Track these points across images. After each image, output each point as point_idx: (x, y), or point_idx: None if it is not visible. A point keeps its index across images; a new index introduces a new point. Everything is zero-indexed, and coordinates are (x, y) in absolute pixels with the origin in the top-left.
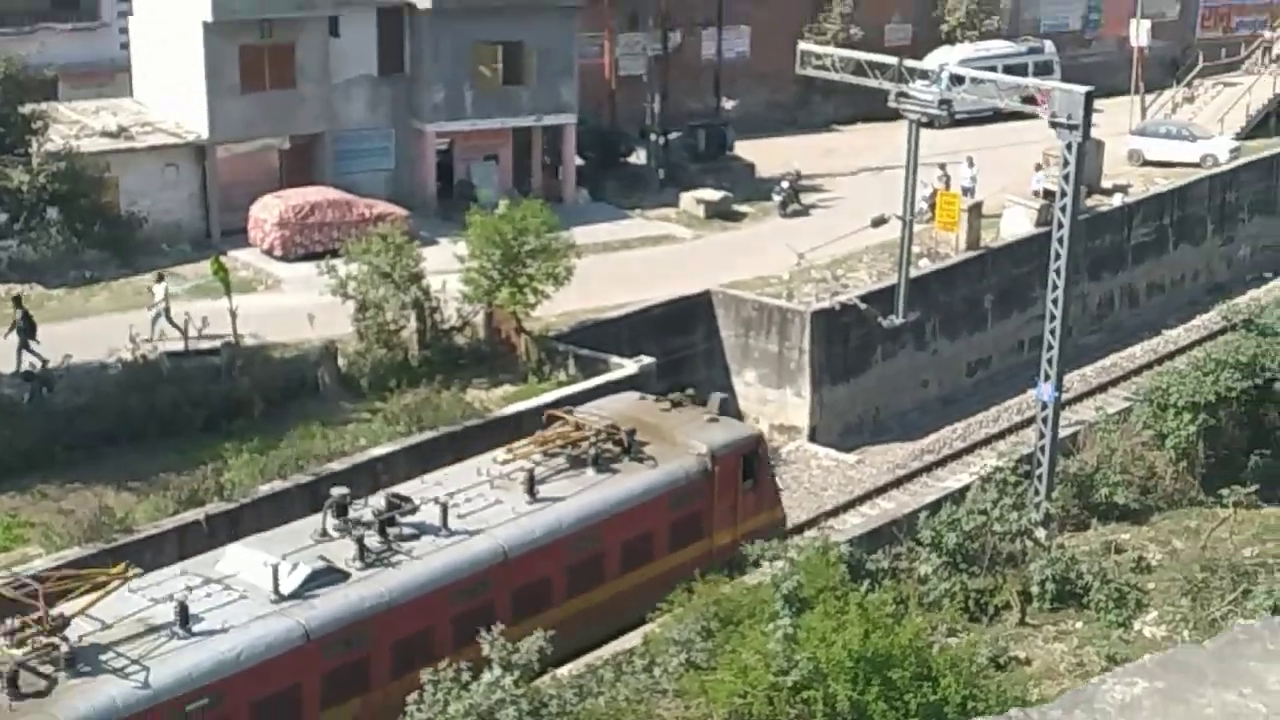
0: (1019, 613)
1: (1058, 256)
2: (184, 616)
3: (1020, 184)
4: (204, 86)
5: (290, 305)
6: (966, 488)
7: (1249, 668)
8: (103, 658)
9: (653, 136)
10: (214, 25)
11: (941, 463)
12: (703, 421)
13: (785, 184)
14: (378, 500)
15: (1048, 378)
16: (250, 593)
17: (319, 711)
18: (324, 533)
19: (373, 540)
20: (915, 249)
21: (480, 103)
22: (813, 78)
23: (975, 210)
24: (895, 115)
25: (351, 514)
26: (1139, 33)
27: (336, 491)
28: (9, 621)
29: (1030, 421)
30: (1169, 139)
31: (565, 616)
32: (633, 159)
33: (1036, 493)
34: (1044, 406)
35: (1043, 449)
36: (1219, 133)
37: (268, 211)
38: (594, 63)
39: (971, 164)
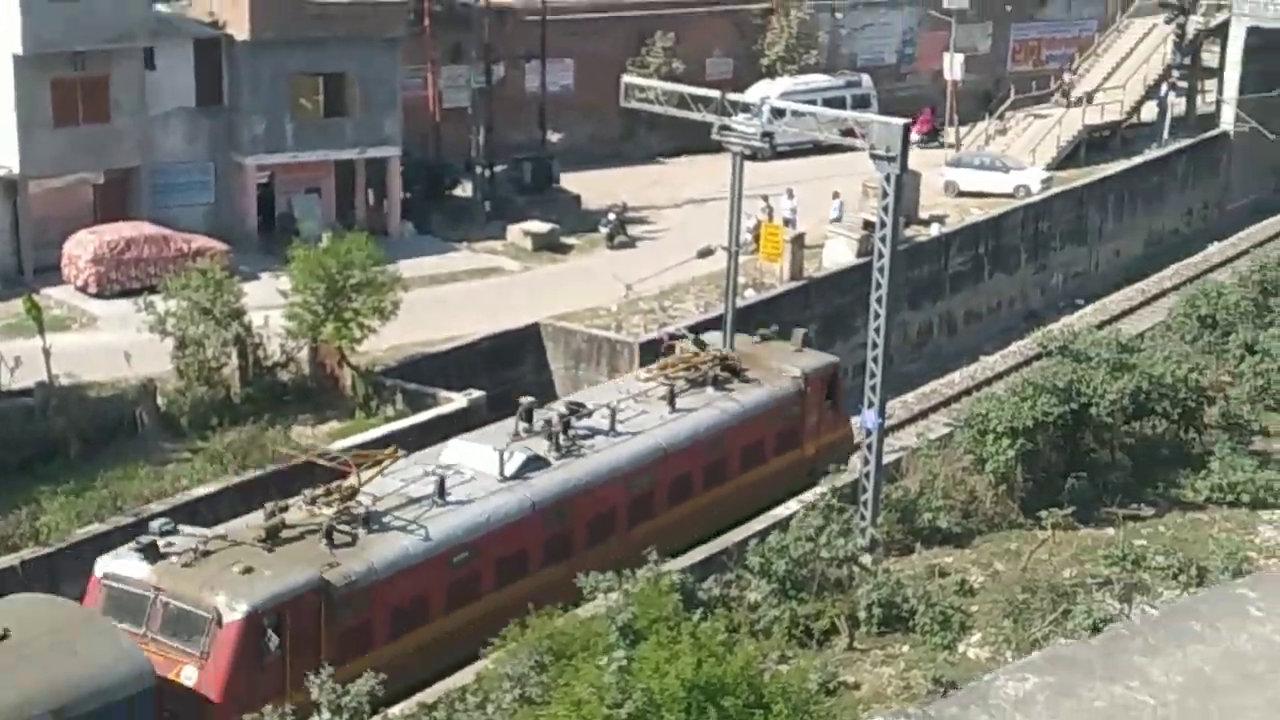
0: (847, 638)
1: (878, 286)
2: (441, 489)
3: (843, 214)
4: (14, 120)
5: (106, 343)
6: (794, 514)
7: (1134, 662)
8: (387, 519)
9: (478, 169)
10: (24, 59)
11: None
12: (791, 351)
13: (612, 216)
14: (559, 407)
15: (871, 405)
16: (478, 476)
17: (540, 569)
18: (517, 433)
19: (560, 439)
20: (741, 280)
21: (301, 135)
22: (637, 110)
23: (798, 241)
24: (719, 148)
25: (537, 418)
26: (952, 67)
27: (525, 400)
28: (309, 491)
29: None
30: (983, 170)
31: (701, 506)
32: (458, 191)
33: (862, 518)
34: (868, 433)
35: (867, 475)
36: (1031, 164)
37: (82, 248)
38: (418, 95)
39: (792, 195)
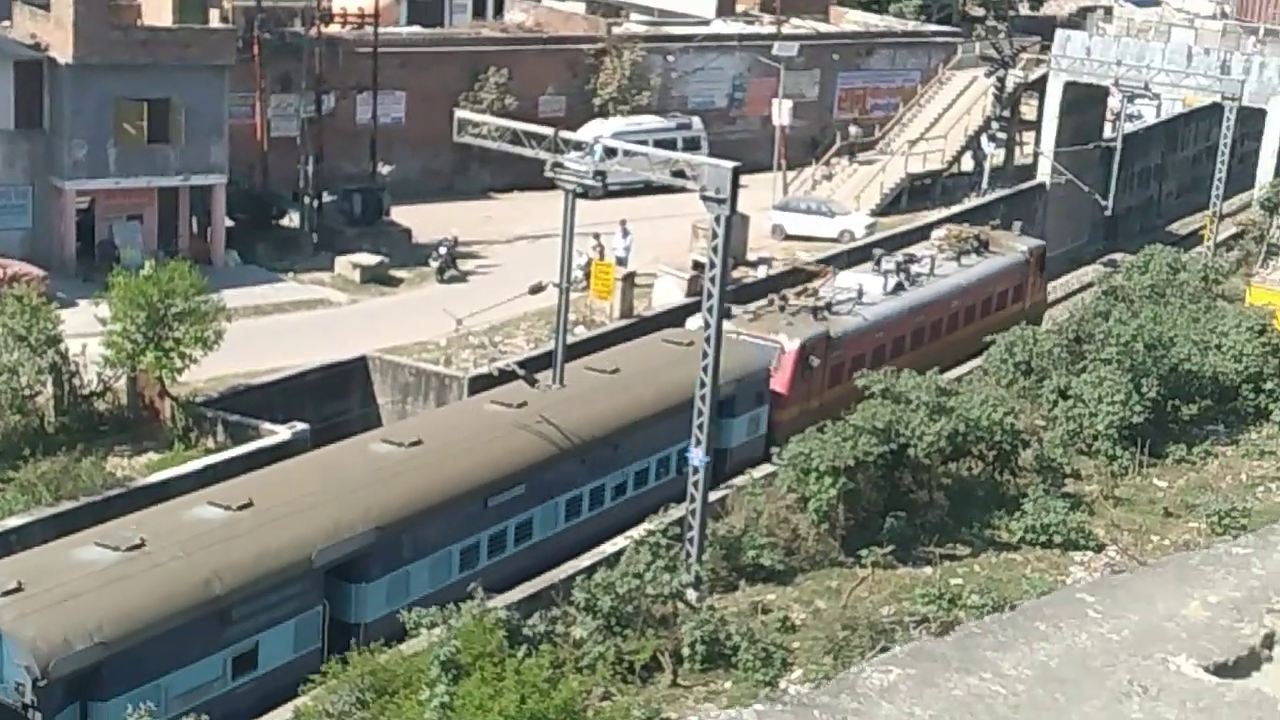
0: (670, 674)
1: (707, 325)
2: (859, 295)
3: (673, 254)
4: None
5: None
6: (621, 551)
7: (987, 656)
8: (838, 309)
9: (306, 199)
10: None
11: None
12: (1016, 235)
13: (443, 250)
14: (896, 256)
15: (698, 443)
16: (867, 293)
17: (911, 350)
18: (878, 272)
19: (905, 276)
20: (571, 317)
21: (125, 161)
22: (470, 145)
23: (629, 280)
24: (551, 185)
25: (885, 262)
26: (781, 112)
27: (877, 251)
28: (790, 291)
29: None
30: (809, 214)
31: (978, 329)
32: (286, 222)
33: (688, 555)
34: (695, 471)
35: (693, 513)
36: (856, 209)
37: None
38: (246, 123)
39: (627, 234)
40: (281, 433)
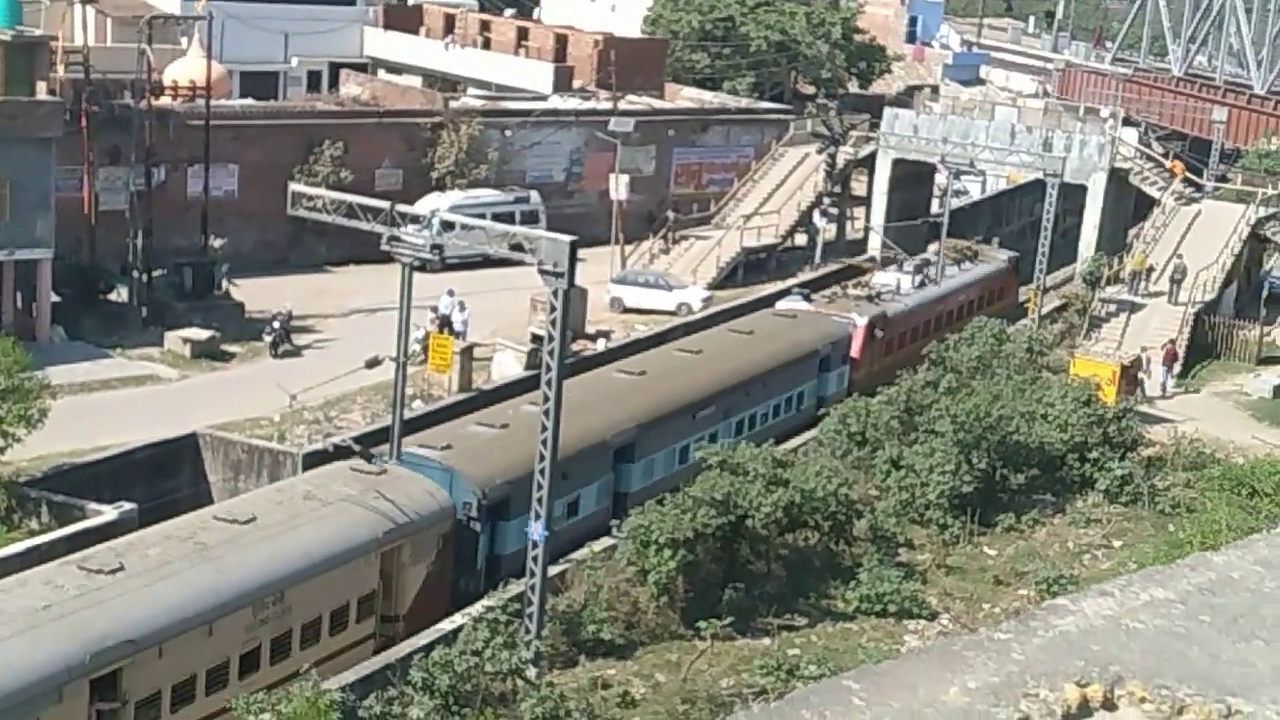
0: None
1: (547, 399)
2: (897, 289)
3: (512, 327)
4: None
5: None
6: (459, 628)
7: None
8: (884, 297)
9: (135, 273)
10: None
11: None
12: (996, 249)
13: (276, 324)
14: (916, 260)
15: (538, 517)
16: (902, 287)
17: (934, 331)
18: (901, 271)
19: (923, 274)
20: (409, 390)
21: None
22: (305, 218)
23: (467, 353)
24: (389, 257)
25: (906, 265)
26: (618, 187)
27: (900, 255)
28: (844, 284)
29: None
30: (647, 288)
31: (982, 314)
32: (114, 296)
33: (528, 631)
34: (534, 545)
35: (533, 588)
36: (693, 283)
37: None
38: (73, 196)
39: (463, 308)
40: (108, 513)
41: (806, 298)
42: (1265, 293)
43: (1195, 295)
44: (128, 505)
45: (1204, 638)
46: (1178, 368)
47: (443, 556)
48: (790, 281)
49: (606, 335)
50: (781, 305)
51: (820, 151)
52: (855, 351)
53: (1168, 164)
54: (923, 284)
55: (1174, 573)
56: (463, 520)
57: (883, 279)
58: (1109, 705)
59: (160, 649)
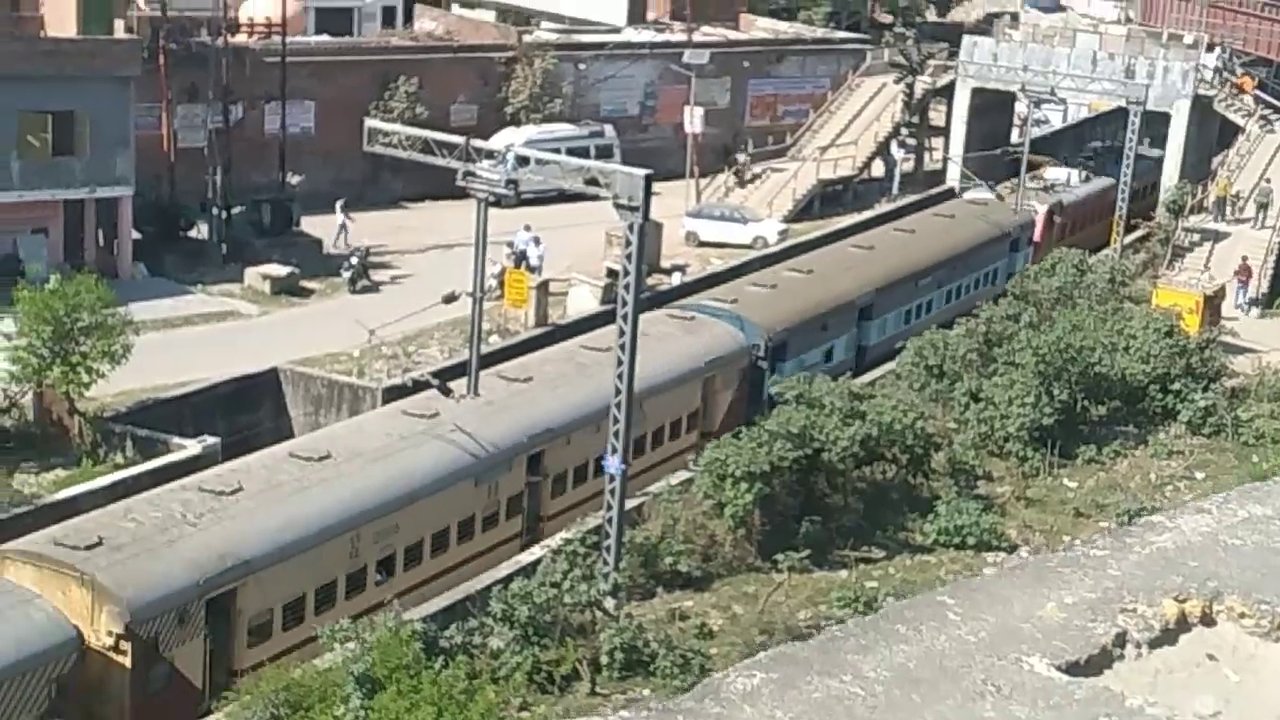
0: (589, 683)
1: (623, 333)
2: (1067, 181)
3: (587, 262)
4: None
5: None
6: (538, 560)
7: (847, 659)
8: (1057, 189)
9: (215, 210)
10: None
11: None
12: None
13: (354, 260)
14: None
15: (615, 450)
16: (1071, 182)
17: (1094, 225)
18: (1069, 166)
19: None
20: (486, 326)
21: (28, 174)
22: (381, 155)
23: (543, 288)
24: (464, 193)
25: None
26: (693, 120)
27: (1065, 155)
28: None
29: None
30: (722, 221)
31: (1109, 221)
32: (194, 233)
33: (605, 563)
34: (611, 479)
35: (610, 520)
36: (768, 216)
37: None
38: (152, 134)
39: (539, 243)
40: (191, 447)
41: (991, 188)
42: None
43: (1276, 230)
44: (210, 439)
45: None
46: (1254, 285)
47: (741, 387)
48: (867, 214)
49: (682, 269)
50: (970, 195)
51: (898, 81)
52: (1038, 235)
53: (1236, 79)
54: (1086, 178)
55: (1273, 489)
56: (754, 359)
57: (1055, 174)
58: (1208, 620)
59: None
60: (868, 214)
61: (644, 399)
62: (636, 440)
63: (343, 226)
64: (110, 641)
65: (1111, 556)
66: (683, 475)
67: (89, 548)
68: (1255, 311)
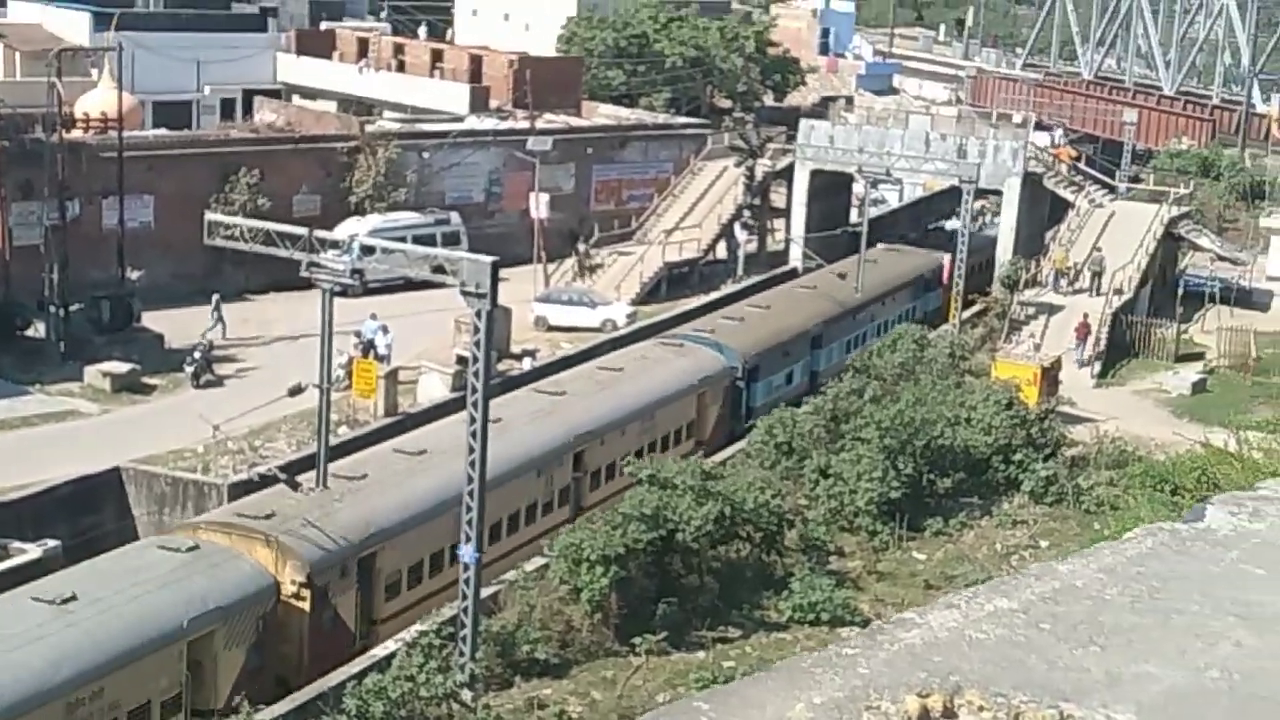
0: None
1: (473, 420)
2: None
3: (436, 350)
4: None
5: None
6: (393, 654)
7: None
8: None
9: (52, 308)
10: None
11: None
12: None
13: (197, 354)
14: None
15: (469, 539)
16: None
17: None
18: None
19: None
20: (334, 417)
21: None
22: (223, 248)
23: (392, 376)
24: (309, 284)
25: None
26: (538, 206)
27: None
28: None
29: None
30: (571, 305)
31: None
32: (31, 332)
33: (461, 654)
34: (466, 568)
35: (465, 610)
36: (617, 299)
37: None
38: None
39: (386, 332)
40: (32, 550)
41: (904, 238)
42: (1180, 291)
43: (1111, 295)
44: (52, 542)
45: (1043, 645)
46: (1091, 341)
47: (725, 403)
48: (713, 295)
49: (532, 354)
50: (883, 246)
51: (738, 164)
52: (945, 278)
53: (1053, 150)
54: (980, 229)
55: (1019, 582)
56: (734, 379)
57: (954, 224)
58: (949, 714)
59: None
60: (715, 295)
61: (655, 410)
62: (649, 444)
63: (218, 320)
64: (294, 589)
65: (862, 655)
66: (538, 561)
67: (268, 517)
68: (1095, 367)
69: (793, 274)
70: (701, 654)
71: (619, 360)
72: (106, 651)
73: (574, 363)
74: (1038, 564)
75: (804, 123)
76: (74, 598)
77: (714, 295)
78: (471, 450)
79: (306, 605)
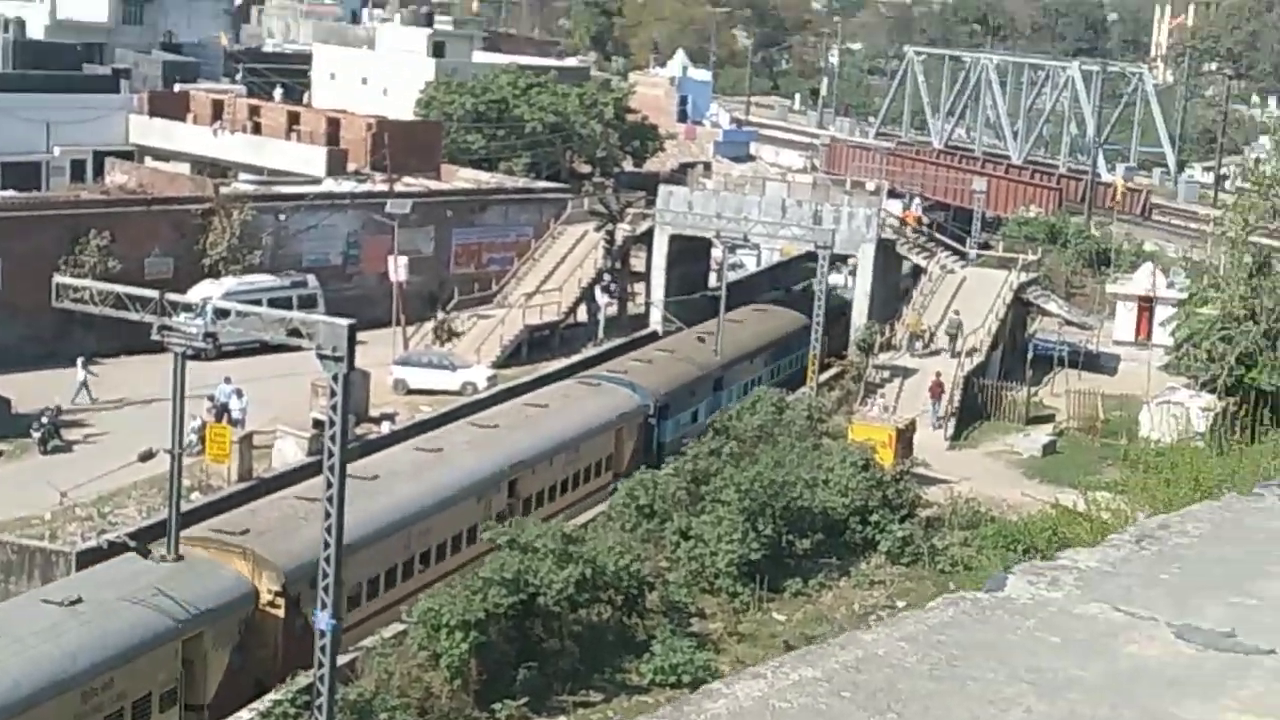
0: None
1: (329, 485)
2: None
3: (292, 413)
4: None
5: None
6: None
7: None
8: None
9: None
10: None
11: None
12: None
13: (44, 419)
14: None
15: (324, 606)
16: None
17: None
18: None
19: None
20: (186, 482)
21: None
22: (73, 310)
23: (246, 441)
24: (161, 348)
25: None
26: (397, 268)
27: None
28: None
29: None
30: (430, 368)
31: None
32: None
33: None
34: (322, 635)
35: (322, 678)
36: (477, 362)
37: None
38: None
39: (241, 396)
40: None
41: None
42: (1030, 355)
43: (964, 357)
44: None
45: (842, 713)
46: (945, 400)
47: (640, 438)
48: (575, 358)
49: (391, 418)
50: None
51: (598, 229)
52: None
53: (899, 215)
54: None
55: (824, 652)
56: (647, 416)
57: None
58: None
59: None
60: (578, 357)
61: (580, 443)
62: (573, 475)
63: (84, 384)
64: (269, 597)
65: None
66: (396, 627)
67: (243, 532)
68: (949, 428)
69: (654, 336)
70: (562, 719)
71: (544, 397)
72: (114, 647)
73: (433, 426)
74: (844, 634)
75: (663, 188)
76: (80, 600)
77: (576, 358)
78: (328, 516)
79: (281, 612)
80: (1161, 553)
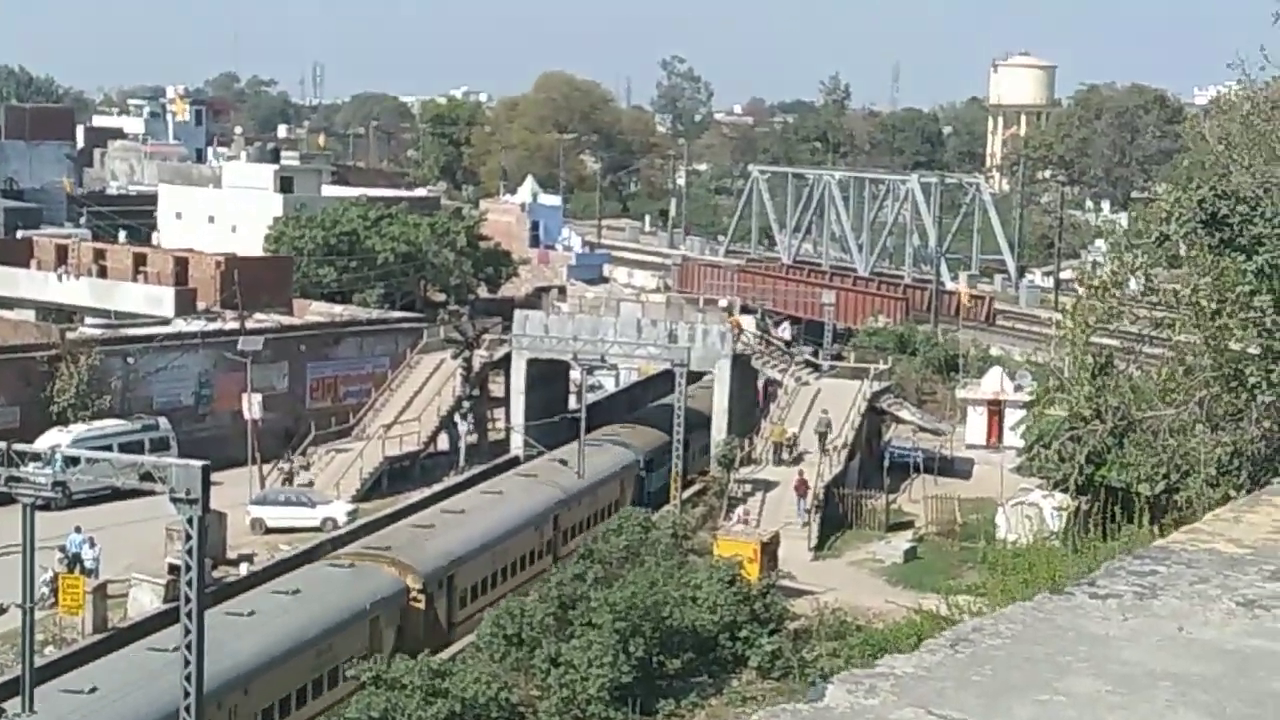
0: None
1: (187, 631)
2: None
3: (148, 560)
4: None
5: None
6: None
7: None
8: None
9: None
10: None
11: None
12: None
13: None
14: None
15: None
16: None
17: None
18: None
19: None
20: (40, 636)
21: None
22: None
23: (100, 591)
24: (9, 498)
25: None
26: (251, 406)
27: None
28: None
29: None
30: (289, 505)
31: None
32: None
33: None
34: None
35: None
36: (336, 497)
37: None
38: None
39: (93, 544)
40: None
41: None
42: (887, 462)
43: (832, 455)
44: None
45: None
46: (811, 496)
47: (634, 488)
48: (436, 487)
49: (250, 559)
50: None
51: (455, 356)
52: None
53: (729, 320)
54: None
55: None
56: (639, 469)
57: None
58: None
59: None
60: (439, 486)
61: (598, 487)
62: (598, 510)
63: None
64: (413, 593)
65: None
66: None
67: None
68: (813, 538)
69: (515, 462)
70: None
71: (563, 453)
72: (333, 619)
73: (294, 565)
74: None
75: (518, 313)
76: (299, 590)
77: (438, 487)
78: (187, 664)
79: (421, 604)
80: (975, 654)
